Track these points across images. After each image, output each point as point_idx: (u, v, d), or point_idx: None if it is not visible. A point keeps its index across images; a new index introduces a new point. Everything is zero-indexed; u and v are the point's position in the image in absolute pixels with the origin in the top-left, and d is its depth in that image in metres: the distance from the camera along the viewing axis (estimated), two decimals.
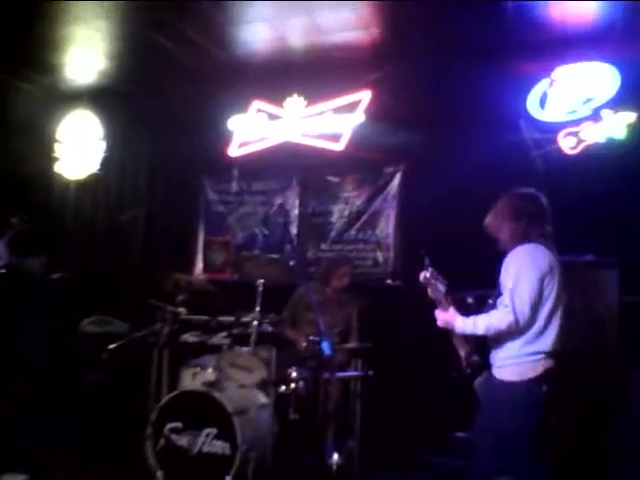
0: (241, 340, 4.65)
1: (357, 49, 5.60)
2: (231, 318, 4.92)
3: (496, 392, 3.10)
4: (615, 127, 4.94)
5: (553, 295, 3.06)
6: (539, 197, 3.26)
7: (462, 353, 3.23)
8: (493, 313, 3.08)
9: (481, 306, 3.22)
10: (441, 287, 3.25)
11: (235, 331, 4.79)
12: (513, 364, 3.06)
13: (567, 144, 5.07)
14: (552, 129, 5.13)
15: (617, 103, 4.99)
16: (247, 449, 4.01)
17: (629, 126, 4.89)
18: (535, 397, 3.01)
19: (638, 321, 3.65)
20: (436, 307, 3.28)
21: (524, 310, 2.99)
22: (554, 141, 5.08)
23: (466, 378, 3.25)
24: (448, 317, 3.19)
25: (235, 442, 3.99)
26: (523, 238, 3.15)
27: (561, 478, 3.34)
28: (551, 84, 5.21)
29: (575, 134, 5.05)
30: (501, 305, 3.06)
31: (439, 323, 3.24)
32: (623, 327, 4.24)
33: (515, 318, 2.99)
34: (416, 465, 4.71)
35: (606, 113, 4.97)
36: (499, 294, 3.12)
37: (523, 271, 3.03)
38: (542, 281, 3.04)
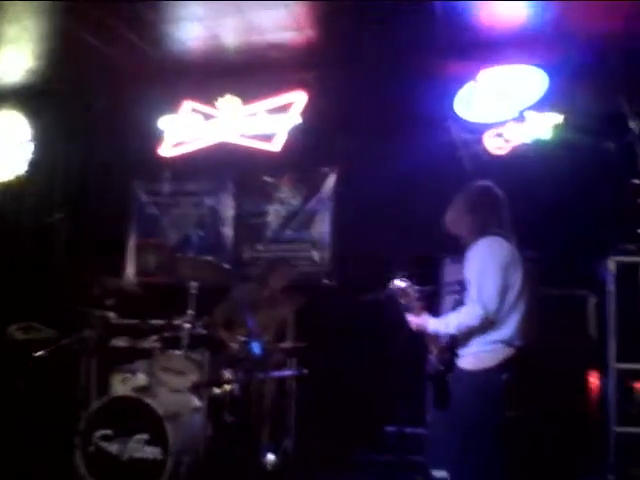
0: (173, 343, 4.56)
1: (292, 50, 5.61)
2: (162, 321, 4.84)
3: (458, 381, 3.14)
4: (541, 128, 5.08)
5: (517, 285, 3.09)
6: (494, 189, 3.32)
7: (435, 351, 3.26)
8: (462, 310, 3.11)
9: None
10: (414, 295, 3.31)
11: (167, 334, 4.71)
12: (473, 353, 3.10)
13: (493, 144, 5.21)
14: (479, 130, 5.26)
15: (544, 105, 5.14)
16: (179, 453, 3.99)
17: (555, 127, 5.04)
18: (494, 386, 3.04)
19: (555, 313, 3.77)
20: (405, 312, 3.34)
21: (492, 302, 3.02)
22: (481, 141, 5.21)
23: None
24: (421, 321, 3.24)
25: (167, 447, 3.96)
26: (482, 231, 3.18)
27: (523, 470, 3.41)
28: (478, 86, 5.33)
29: (501, 135, 5.19)
30: (469, 300, 3.09)
31: (412, 327, 3.28)
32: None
33: (485, 311, 3.01)
34: (350, 462, 4.75)
35: (530, 114, 5.12)
36: (464, 289, 3.15)
37: (486, 264, 3.07)
38: (506, 271, 3.07)
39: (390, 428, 4.65)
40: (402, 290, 3.31)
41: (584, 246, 4.24)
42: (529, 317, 3.13)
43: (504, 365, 3.04)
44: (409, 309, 3.29)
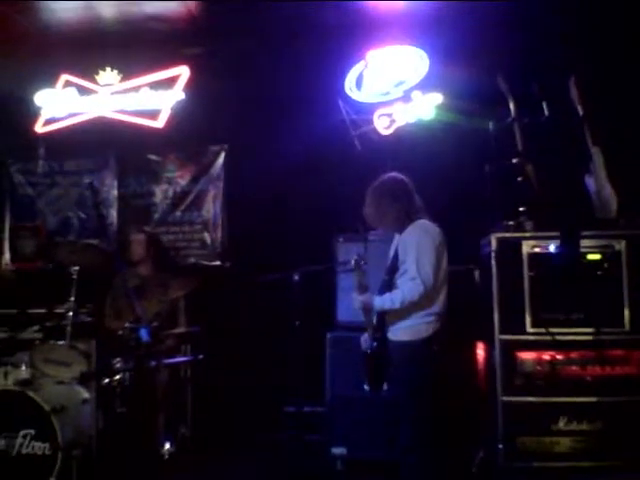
0: (56, 333, 4.33)
1: (174, 22, 5.36)
2: (42, 310, 4.58)
3: (395, 352, 3.42)
4: (424, 108, 5.22)
5: (444, 263, 3.43)
6: (405, 178, 3.59)
7: (370, 331, 3.50)
8: (404, 287, 3.34)
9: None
10: (365, 273, 3.50)
11: (48, 324, 4.47)
12: (409, 325, 3.38)
13: (381, 124, 5.30)
14: (368, 110, 5.33)
15: (426, 85, 5.28)
16: (69, 447, 3.88)
17: (437, 107, 5.20)
18: (429, 355, 3.35)
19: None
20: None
21: (430, 279, 3.31)
22: (371, 121, 5.29)
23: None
24: (366, 299, 3.44)
25: (56, 441, 3.86)
26: (408, 216, 3.47)
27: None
28: (366, 66, 5.39)
29: (389, 115, 5.29)
30: (408, 278, 3.34)
31: (357, 305, 3.49)
32: None
33: (424, 288, 3.30)
34: (249, 443, 4.76)
35: (416, 94, 5.24)
36: (394, 270, 3.44)
37: (423, 244, 3.36)
38: (437, 251, 3.38)
39: (289, 408, 4.68)
40: (359, 266, 3.47)
41: (468, 224, 4.41)
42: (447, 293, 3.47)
43: (435, 336, 3.36)
44: (357, 288, 3.46)
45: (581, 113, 4.48)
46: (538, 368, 3.93)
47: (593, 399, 3.87)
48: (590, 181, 4.43)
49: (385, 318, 3.46)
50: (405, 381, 3.36)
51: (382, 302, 3.40)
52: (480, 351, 4.37)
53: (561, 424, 3.87)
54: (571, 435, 3.86)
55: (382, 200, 3.51)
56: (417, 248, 3.35)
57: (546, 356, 3.94)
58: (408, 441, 3.33)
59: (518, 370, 3.93)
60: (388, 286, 3.44)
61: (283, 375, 4.41)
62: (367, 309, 3.46)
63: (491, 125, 4.63)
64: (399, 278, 3.42)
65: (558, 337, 3.92)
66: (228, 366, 5.03)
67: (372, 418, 4.24)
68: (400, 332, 3.41)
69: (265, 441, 4.81)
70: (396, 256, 3.46)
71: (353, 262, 3.50)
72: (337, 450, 4.34)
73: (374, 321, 3.47)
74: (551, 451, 3.86)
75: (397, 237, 3.57)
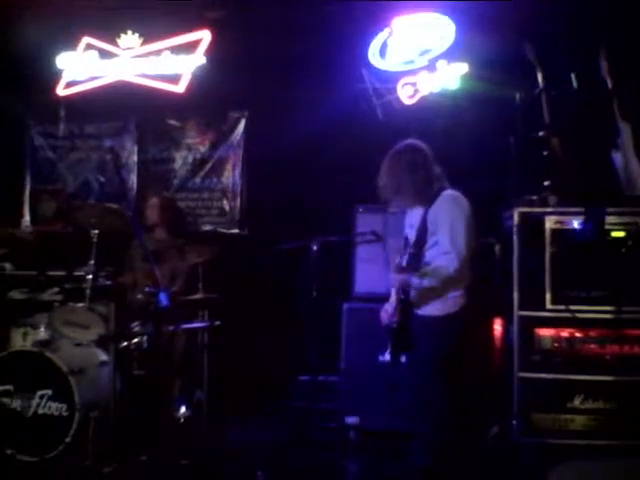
0: (75, 296, 4.37)
1: None
2: (62, 273, 4.60)
3: (424, 326, 3.25)
4: (449, 78, 5.12)
5: (474, 237, 3.22)
6: (422, 145, 3.37)
7: (398, 305, 3.30)
8: (440, 262, 3.17)
9: None
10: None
11: (68, 286, 4.50)
12: (440, 300, 3.22)
13: (405, 93, 5.21)
14: (392, 79, 5.23)
15: (451, 55, 5.17)
16: (86, 409, 3.92)
17: (462, 77, 5.09)
18: (457, 329, 3.22)
19: None
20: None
21: (464, 254, 3.14)
22: (394, 90, 5.19)
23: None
24: (405, 277, 3.23)
25: (73, 403, 3.90)
26: (429, 186, 3.26)
27: None
28: (391, 34, 5.28)
29: (413, 84, 5.19)
30: (440, 252, 3.17)
31: (396, 284, 3.28)
32: None
33: (459, 262, 3.13)
34: (263, 411, 4.80)
35: (441, 64, 5.14)
36: (421, 242, 3.23)
37: (456, 217, 3.17)
38: (468, 223, 3.19)
39: (303, 377, 4.71)
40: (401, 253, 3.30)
41: (490, 197, 4.35)
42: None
43: (462, 311, 3.22)
44: (396, 269, 3.26)
45: (610, 86, 4.36)
46: (556, 345, 3.88)
47: (610, 378, 3.82)
48: (617, 156, 4.33)
49: (411, 292, 3.30)
50: (432, 355, 3.22)
51: (420, 280, 3.21)
52: (498, 327, 4.33)
53: (577, 402, 3.84)
54: (586, 413, 3.82)
55: (399, 170, 3.29)
56: (450, 221, 3.17)
57: (565, 333, 3.89)
58: (432, 414, 3.22)
59: (536, 347, 3.87)
60: (417, 259, 3.24)
61: (299, 344, 4.42)
62: (405, 288, 3.26)
63: (518, 96, 4.53)
64: (428, 250, 3.24)
65: (578, 315, 3.87)
66: (244, 333, 5.05)
67: (386, 389, 4.25)
68: (429, 307, 3.26)
69: (279, 408, 4.85)
70: (423, 228, 3.25)
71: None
72: (350, 419, 4.36)
73: (402, 295, 3.29)
74: (566, 429, 3.83)
75: (412, 209, 3.39)
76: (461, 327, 3.23)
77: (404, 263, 3.25)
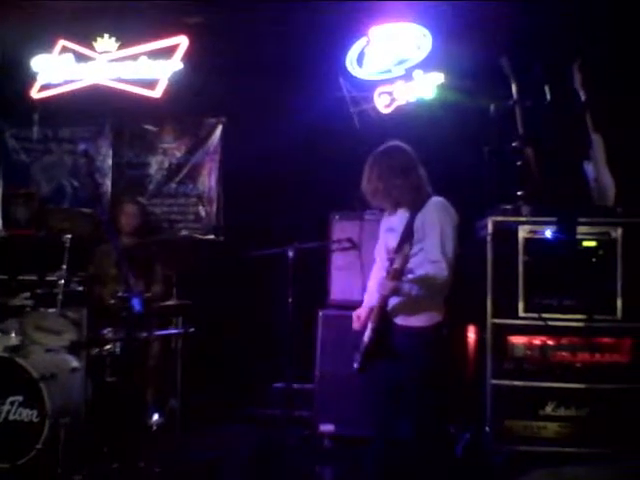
0: (47, 301, 4.31)
1: None
2: (34, 277, 4.55)
3: (407, 338, 3.14)
4: (424, 87, 5.17)
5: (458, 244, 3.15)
6: (409, 148, 3.28)
7: (377, 313, 3.20)
8: (429, 271, 3.05)
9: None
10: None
11: (39, 291, 4.44)
12: (424, 310, 3.14)
13: (382, 102, 5.24)
14: (369, 88, 5.27)
15: (427, 64, 5.22)
16: (57, 415, 3.88)
17: (438, 87, 5.14)
18: (441, 339, 3.17)
19: None
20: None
21: (452, 262, 3.06)
22: (371, 99, 5.23)
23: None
24: (394, 285, 3.08)
25: (44, 409, 3.86)
26: (419, 191, 3.16)
27: None
28: (368, 43, 5.32)
29: (390, 93, 5.23)
30: (426, 260, 3.07)
31: (385, 292, 3.12)
32: None
33: (449, 272, 3.05)
34: (237, 418, 4.77)
35: (417, 73, 5.18)
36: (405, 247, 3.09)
37: (445, 225, 3.08)
38: (456, 232, 3.13)
39: (278, 385, 4.69)
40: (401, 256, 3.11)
41: (464, 206, 4.38)
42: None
43: (445, 321, 3.17)
44: (390, 275, 3.11)
45: (583, 98, 4.44)
46: (528, 353, 3.93)
47: (582, 385, 3.88)
48: (589, 167, 4.40)
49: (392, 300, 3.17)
50: (417, 367, 3.12)
51: (410, 288, 3.07)
52: (471, 334, 4.37)
53: (549, 409, 3.88)
54: (558, 420, 3.87)
55: (390, 174, 3.14)
56: (439, 228, 3.06)
57: (537, 341, 3.94)
58: (415, 425, 3.16)
59: (509, 354, 3.92)
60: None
61: (273, 351, 4.41)
62: (394, 294, 3.12)
63: (492, 107, 4.57)
64: (412, 257, 3.06)
65: (550, 323, 3.92)
66: (219, 340, 5.04)
67: (360, 396, 4.25)
68: (413, 318, 3.15)
69: (253, 416, 4.83)
70: (409, 234, 3.08)
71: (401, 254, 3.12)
72: (325, 427, 4.36)
73: (383, 302, 3.17)
74: (538, 436, 3.87)
75: (389, 215, 3.29)
76: (444, 337, 3.18)
77: (397, 266, 3.08)
